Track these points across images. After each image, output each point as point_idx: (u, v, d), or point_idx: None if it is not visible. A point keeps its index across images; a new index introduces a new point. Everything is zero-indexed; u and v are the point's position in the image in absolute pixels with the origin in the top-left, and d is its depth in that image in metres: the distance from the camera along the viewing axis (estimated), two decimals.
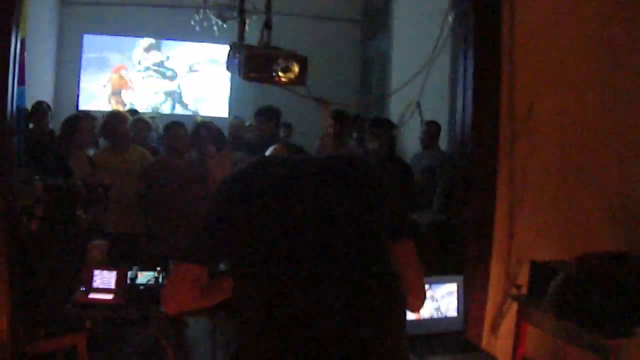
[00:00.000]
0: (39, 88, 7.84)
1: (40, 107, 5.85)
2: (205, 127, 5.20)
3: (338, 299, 1.67)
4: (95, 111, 7.18)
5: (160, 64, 10.17)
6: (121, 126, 4.99)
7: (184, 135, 5.00)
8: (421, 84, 4.00)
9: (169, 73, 10.23)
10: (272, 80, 2.30)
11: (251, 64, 2.29)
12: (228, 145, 5.71)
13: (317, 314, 1.66)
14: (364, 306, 1.69)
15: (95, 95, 9.78)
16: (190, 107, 10.26)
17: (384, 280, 1.75)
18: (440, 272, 3.34)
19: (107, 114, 5.53)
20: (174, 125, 5.04)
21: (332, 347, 1.63)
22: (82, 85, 9.70)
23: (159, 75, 10.17)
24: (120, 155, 4.91)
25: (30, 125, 5.57)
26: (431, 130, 5.88)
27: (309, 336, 1.64)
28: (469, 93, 3.44)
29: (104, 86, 9.92)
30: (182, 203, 4.65)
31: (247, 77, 2.29)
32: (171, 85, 10.26)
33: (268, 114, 5.79)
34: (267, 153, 2.17)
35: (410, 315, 3.02)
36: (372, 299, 1.71)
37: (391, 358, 1.70)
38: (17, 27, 3.13)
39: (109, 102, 9.91)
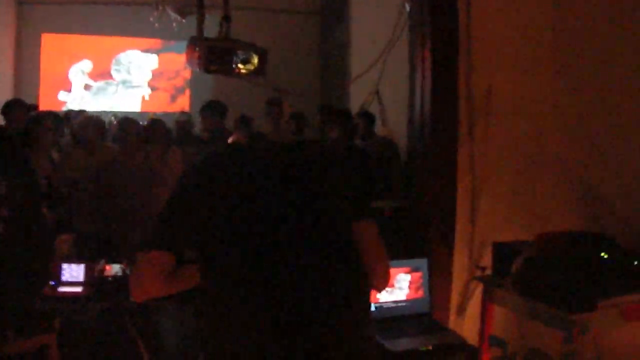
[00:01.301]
0: None
1: (16, 105, 5.45)
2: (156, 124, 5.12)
3: (301, 279, 1.73)
4: (56, 111, 7.10)
5: (120, 63, 10.10)
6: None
7: (137, 132, 4.87)
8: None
9: (131, 74, 10.19)
10: (232, 72, 2.32)
11: (211, 56, 2.30)
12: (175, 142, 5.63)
13: (281, 296, 1.71)
14: (325, 286, 1.75)
15: (55, 94, 9.65)
16: (151, 103, 10.18)
17: (345, 261, 1.80)
18: (406, 255, 3.38)
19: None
20: (127, 122, 4.97)
21: (297, 326, 1.69)
22: (42, 85, 9.55)
23: (119, 74, 10.10)
24: (91, 153, 4.92)
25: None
26: (364, 122, 5.77)
27: (273, 316, 1.69)
28: (427, 79, 3.49)
29: (68, 83, 9.82)
30: (138, 201, 4.59)
31: (207, 69, 2.31)
32: (132, 83, 10.20)
33: (212, 109, 5.72)
34: (229, 141, 2.20)
35: (379, 298, 3.09)
36: (335, 281, 1.77)
37: (352, 335, 1.76)
38: None
39: (73, 98, 9.80)
